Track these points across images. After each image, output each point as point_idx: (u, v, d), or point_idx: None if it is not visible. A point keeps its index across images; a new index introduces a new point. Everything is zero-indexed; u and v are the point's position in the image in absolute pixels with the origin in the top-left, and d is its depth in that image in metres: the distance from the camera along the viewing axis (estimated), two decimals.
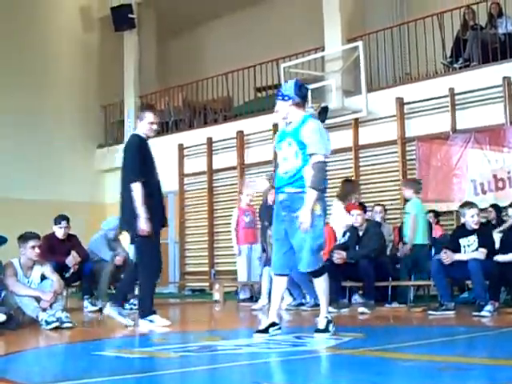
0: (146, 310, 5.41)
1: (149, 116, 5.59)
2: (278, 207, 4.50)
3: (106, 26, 13.76)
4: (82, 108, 13.79)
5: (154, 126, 5.59)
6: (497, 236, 6.37)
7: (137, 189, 5.24)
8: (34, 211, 11.62)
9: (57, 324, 5.35)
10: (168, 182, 10.11)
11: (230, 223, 11.50)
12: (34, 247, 5.83)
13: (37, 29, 13.34)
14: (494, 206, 7.78)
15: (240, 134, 11.48)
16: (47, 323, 5.36)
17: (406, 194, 7.37)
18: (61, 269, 7.00)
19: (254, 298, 8.26)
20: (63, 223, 7.58)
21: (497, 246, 6.19)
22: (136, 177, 5.27)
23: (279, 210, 4.48)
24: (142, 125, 5.57)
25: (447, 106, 9.08)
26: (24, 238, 5.86)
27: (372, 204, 8.29)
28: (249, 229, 8.52)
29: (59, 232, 7.57)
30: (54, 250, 7.32)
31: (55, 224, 7.61)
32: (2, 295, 5.61)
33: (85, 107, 13.81)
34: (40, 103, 13.11)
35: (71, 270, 7.41)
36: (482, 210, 7.41)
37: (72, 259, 7.41)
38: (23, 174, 12.58)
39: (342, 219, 7.57)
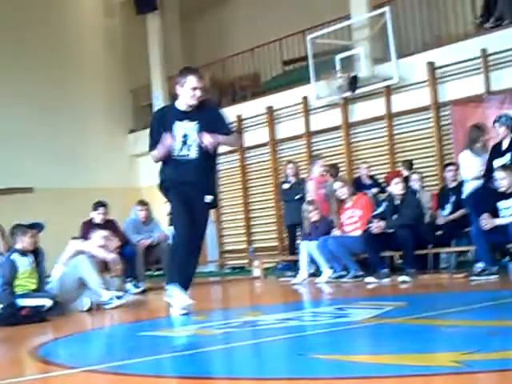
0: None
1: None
2: None
3: (128, 10, 13.76)
4: (111, 94, 13.88)
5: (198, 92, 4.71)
6: None
7: None
8: (72, 199, 11.86)
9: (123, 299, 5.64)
10: None
11: (264, 200, 11.56)
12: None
13: (59, 17, 13.43)
14: None
15: (270, 109, 11.41)
16: (119, 297, 5.61)
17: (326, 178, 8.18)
18: None
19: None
20: (101, 209, 7.70)
21: None
22: None
23: None
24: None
25: (480, 68, 8.85)
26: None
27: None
28: (324, 202, 7.79)
29: (97, 218, 7.69)
30: None
31: (93, 210, 7.73)
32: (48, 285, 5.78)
33: (113, 93, 13.90)
34: (68, 93, 13.25)
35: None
36: None
37: (112, 244, 7.54)
38: (61, 164, 12.84)
39: (471, 169, 6.85)
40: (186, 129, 4.67)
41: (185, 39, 14.34)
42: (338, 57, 10.01)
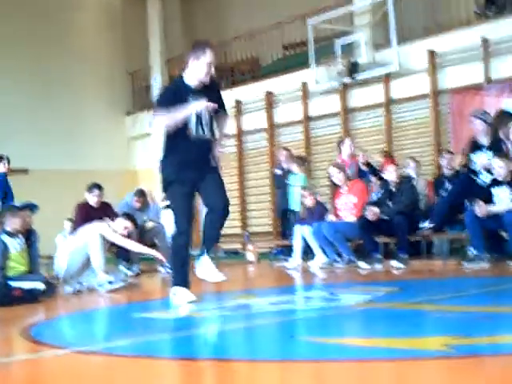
0: None
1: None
2: None
3: None
4: (110, 76, 13.81)
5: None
6: None
7: None
8: (69, 181, 11.82)
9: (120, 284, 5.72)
10: None
11: (259, 186, 11.53)
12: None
13: None
14: None
15: (269, 94, 11.35)
16: (111, 283, 5.62)
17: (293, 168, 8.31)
18: None
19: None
20: (96, 191, 7.65)
21: None
22: None
23: None
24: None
25: (480, 56, 8.79)
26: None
27: (406, 159, 8.17)
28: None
29: (92, 200, 7.64)
30: (88, 218, 7.41)
31: (88, 192, 7.70)
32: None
33: (112, 75, 13.82)
34: (67, 74, 13.16)
35: None
36: None
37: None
38: (57, 145, 12.80)
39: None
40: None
41: (185, 22, 14.23)
42: (339, 42, 9.94)
